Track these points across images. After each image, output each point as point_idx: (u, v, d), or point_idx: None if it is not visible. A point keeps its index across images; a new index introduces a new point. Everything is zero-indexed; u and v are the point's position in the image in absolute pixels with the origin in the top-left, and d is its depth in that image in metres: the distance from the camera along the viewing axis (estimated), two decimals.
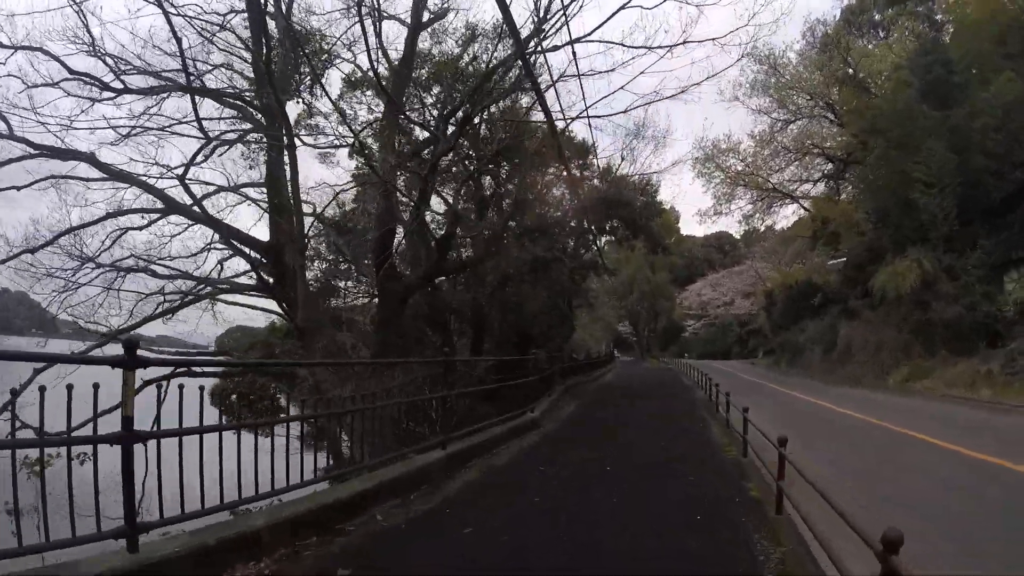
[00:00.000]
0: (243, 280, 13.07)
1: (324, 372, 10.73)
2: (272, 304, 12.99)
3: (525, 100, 14.00)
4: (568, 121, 13.38)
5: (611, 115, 12.16)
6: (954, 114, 22.52)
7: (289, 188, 11.40)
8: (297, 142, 12.29)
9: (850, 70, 24.94)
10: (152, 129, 11.56)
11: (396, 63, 12.66)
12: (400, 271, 12.98)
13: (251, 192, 13.35)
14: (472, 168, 15.68)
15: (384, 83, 10.84)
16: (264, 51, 9.82)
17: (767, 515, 4.72)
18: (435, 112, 12.97)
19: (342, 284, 17.49)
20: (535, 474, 6.46)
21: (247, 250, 12.11)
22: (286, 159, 11.62)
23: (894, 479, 6.36)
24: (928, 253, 19.12)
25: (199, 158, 11.92)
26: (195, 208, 11.18)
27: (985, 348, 16.70)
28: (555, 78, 10.78)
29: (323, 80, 12.70)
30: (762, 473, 6.12)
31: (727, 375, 26.12)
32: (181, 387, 3.65)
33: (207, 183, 12.71)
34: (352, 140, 12.88)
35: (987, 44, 20.15)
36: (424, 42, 13.92)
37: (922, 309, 18.62)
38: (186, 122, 11.69)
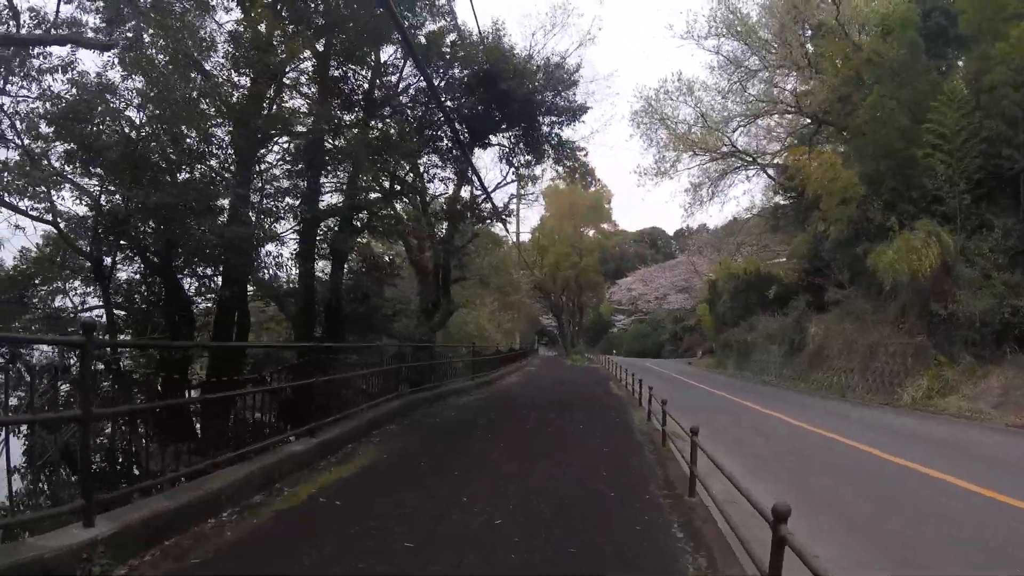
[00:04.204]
0: None
1: None
2: None
3: None
4: None
5: None
6: (964, 66, 18.32)
7: None
8: None
9: (835, 5, 20.24)
10: None
11: None
12: None
13: None
14: None
15: None
16: None
17: None
18: None
19: None
20: None
21: None
22: None
23: None
24: (941, 228, 14.41)
25: None
26: None
27: (1013, 355, 12.25)
28: None
29: None
30: None
31: (675, 384, 20.31)
32: None
33: None
34: None
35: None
36: None
37: (940, 300, 13.82)
38: None
